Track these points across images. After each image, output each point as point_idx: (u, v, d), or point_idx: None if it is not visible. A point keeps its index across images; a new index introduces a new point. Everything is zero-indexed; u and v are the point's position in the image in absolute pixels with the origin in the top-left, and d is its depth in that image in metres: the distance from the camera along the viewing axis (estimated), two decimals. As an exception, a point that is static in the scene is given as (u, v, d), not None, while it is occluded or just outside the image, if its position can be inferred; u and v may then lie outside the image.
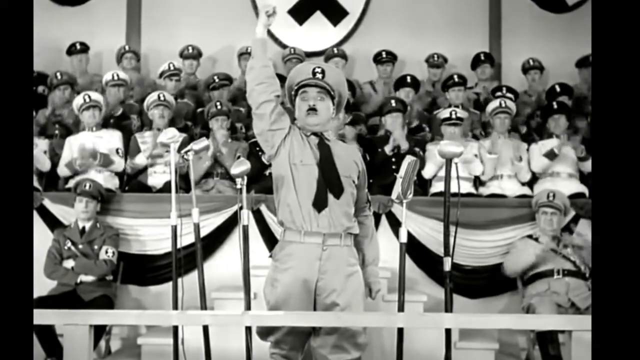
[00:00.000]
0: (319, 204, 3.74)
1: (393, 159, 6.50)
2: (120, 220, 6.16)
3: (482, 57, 8.34)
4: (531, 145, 6.74)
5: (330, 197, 3.73)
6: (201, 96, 7.84)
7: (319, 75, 3.73)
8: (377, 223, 5.98)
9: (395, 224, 5.83)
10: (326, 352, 3.93)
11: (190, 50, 8.22)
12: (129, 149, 6.71)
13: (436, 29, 8.78)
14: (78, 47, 8.22)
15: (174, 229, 4.79)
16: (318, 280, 3.81)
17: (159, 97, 6.72)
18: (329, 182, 3.75)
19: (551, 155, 6.46)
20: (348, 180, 3.83)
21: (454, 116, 6.53)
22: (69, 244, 5.74)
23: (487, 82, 8.27)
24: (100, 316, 4.14)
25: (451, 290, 4.37)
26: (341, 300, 3.82)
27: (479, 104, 7.92)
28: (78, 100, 6.67)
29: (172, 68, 7.69)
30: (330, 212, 3.75)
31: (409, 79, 7.58)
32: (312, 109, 3.75)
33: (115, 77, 7.43)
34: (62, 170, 6.58)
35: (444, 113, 6.69)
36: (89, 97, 6.63)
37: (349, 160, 3.90)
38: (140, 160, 6.56)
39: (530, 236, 5.84)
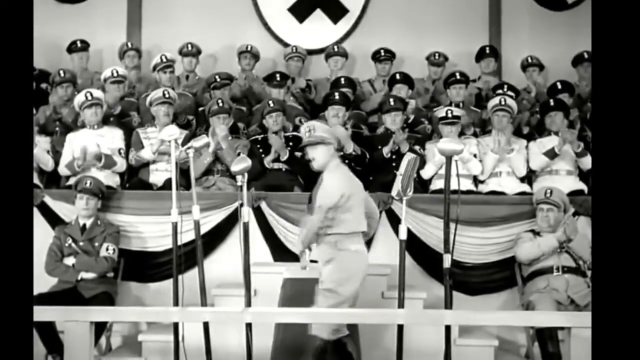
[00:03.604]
0: None
1: (393, 157, 6.50)
2: (121, 217, 6.16)
3: (487, 51, 8.32)
4: (529, 143, 6.73)
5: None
6: (201, 99, 7.80)
7: (307, 134, 4.73)
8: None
9: (395, 221, 5.83)
10: None
11: (190, 48, 8.19)
12: (132, 143, 6.68)
13: (436, 27, 8.76)
14: (78, 44, 8.19)
15: (175, 226, 4.81)
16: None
17: (163, 94, 6.68)
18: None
19: (552, 154, 6.45)
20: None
21: (450, 115, 6.53)
22: (70, 241, 5.75)
23: (491, 77, 8.25)
24: (101, 313, 4.17)
25: (451, 287, 4.38)
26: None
27: (481, 98, 7.92)
28: (79, 98, 6.64)
29: (164, 60, 7.61)
30: None
31: (398, 76, 7.55)
32: (312, 160, 4.76)
33: (115, 74, 7.40)
34: (63, 170, 6.57)
35: (440, 112, 6.69)
36: (91, 94, 6.60)
37: (318, 190, 4.67)
38: (147, 154, 6.51)
39: (532, 231, 5.85)
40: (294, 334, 4.79)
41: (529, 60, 8.18)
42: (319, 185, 4.66)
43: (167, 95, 6.68)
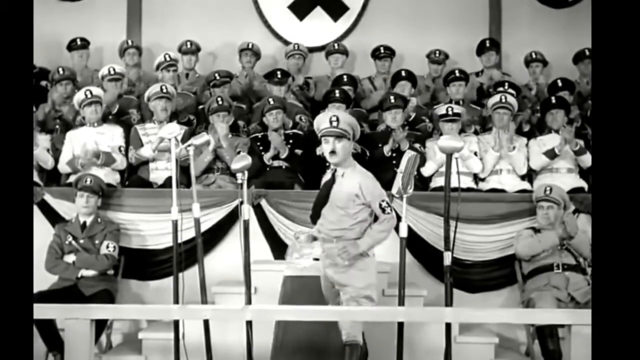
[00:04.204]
0: (311, 220, 4.79)
1: (393, 155, 6.50)
2: (121, 215, 6.17)
3: (488, 44, 8.32)
4: (530, 141, 6.73)
5: (323, 214, 4.61)
6: (201, 97, 7.80)
7: (334, 123, 4.48)
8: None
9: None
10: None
11: (189, 46, 8.19)
12: (130, 140, 6.69)
13: (436, 24, 8.77)
14: (78, 42, 8.18)
15: (175, 224, 4.80)
16: (325, 273, 4.63)
17: (161, 89, 6.68)
18: (314, 210, 4.70)
19: (552, 154, 6.45)
20: (340, 209, 4.53)
21: (450, 112, 6.53)
22: (70, 238, 5.75)
23: (493, 70, 8.25)
24: (101, 311, 4.16)
25: (451, 284, 4.37)
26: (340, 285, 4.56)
27: (483, 93, 7.92)
28: (79, 96, 6.64)
29: (168, 59, 7.64)
30: (321, 226, 4.63)
31: (403, 73, 7.56)
32: (332, 152, 4.50)
33: (112, 72, 7.39)
34: (64, 168, 6.57)
35: (440, 109, 6.68)
36: (91, 92, 6.60)
37: (346, 192, 4.51)
38: (147, 152, 6.52)
39: (533, 228, 5.85)
40: (294, 335, 4.81)
41: (533, 56, 8.18)
42: (334, 184, 4.55)
43: (164, 90, 6.67)
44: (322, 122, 4.58)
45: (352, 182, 4.50)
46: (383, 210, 4.46)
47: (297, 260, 5.24)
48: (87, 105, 6.57)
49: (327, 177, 4.67)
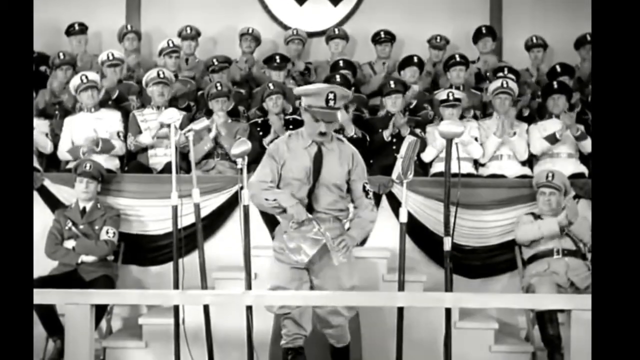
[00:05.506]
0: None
1: (393, 140, 6.49)
2: (121, 200, 6.16)
3: (484, 31, 8.30)
4: (530, 126, 6.72)
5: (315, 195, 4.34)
6: (200, 82, 7.78)
7: (332, 102, 4.16)
8: (377, 203, 5.99)
9: (395, 204, 5.83)
10: (324, 314, 4.39)
11: (189, 31, 8.17)
12: (129, 126, 6.67)
13: (437, 9, 8.74)
14: (77, 27, 8.15)
15: (175, 209, 4.80)
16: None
17: (158, 74, 6.66)
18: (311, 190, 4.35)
19: (552, 139, 6.45)
20: (336, 188, 4.35)
21: (451, 97, 6.51)
22: (70, 224, 5.75)
23: (489, 56, 8.24)
24: (102, 296, 4.16)
25: (451, 270, 4.37)
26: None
27: (481, 77, 7.91)
28: (75, 81, 6.61)
29: (171, 45, 7.63)
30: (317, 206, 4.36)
31: (415, 59, 7.54)
32: (324, 133, 4.27)
33: (111, 57, 7.37)
34: (64, 155, 6.56)
35: (441, 94, 6.66)
36: (87, 77, 6.58)
37: (338, 167, 4.36)
38: (146, 139, 6.50)
39: (532, 213, 5.84)
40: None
41: (534, 41, 8.15)
42: (324, 158, 4.33)
43: (161, 75, 6.66)
44: (314, 98, 4.23)
45: (344, 153, 4.40)
46: (366, 194, 4.41)
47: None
48: (84, 90, 6.55)
49: (296, 143, 4.44)
